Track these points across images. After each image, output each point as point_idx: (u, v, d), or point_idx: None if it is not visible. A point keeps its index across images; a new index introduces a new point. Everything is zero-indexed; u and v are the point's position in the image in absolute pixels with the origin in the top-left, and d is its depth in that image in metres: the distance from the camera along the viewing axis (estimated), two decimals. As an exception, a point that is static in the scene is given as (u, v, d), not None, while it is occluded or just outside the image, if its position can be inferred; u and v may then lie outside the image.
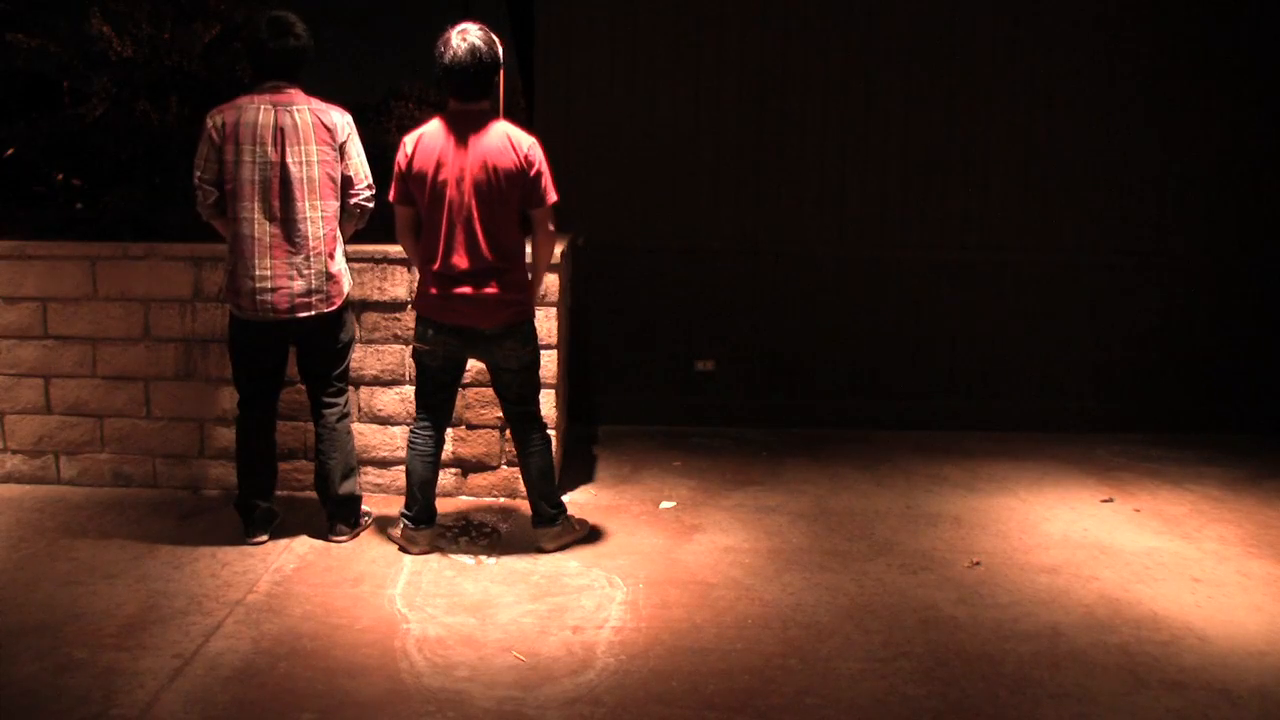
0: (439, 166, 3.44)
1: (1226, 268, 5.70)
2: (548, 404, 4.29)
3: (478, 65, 3.41)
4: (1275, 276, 5.71)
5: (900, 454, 5.15)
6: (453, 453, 4.33)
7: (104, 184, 17.20)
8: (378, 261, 4.24)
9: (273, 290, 3.54)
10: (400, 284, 4.25)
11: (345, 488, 3.80)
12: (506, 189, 3.45)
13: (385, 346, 4.28)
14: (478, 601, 3.32)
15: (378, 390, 4.31)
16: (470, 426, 4.32)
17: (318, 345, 3.73)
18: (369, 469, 4.34)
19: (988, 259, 5.63)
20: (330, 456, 3.77)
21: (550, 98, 5.62)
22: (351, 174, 3.66)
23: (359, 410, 4.31)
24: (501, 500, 4.33)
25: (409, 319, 4.26)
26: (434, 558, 3.68)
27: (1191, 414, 5.72)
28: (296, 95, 3.57)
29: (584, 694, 2.75)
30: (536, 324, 3.84)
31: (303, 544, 3.78)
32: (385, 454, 4.34)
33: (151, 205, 15.90)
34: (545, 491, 3.75)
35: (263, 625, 3.11)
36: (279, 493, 4.30)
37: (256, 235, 3.53)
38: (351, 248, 4.27)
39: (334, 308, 3.66)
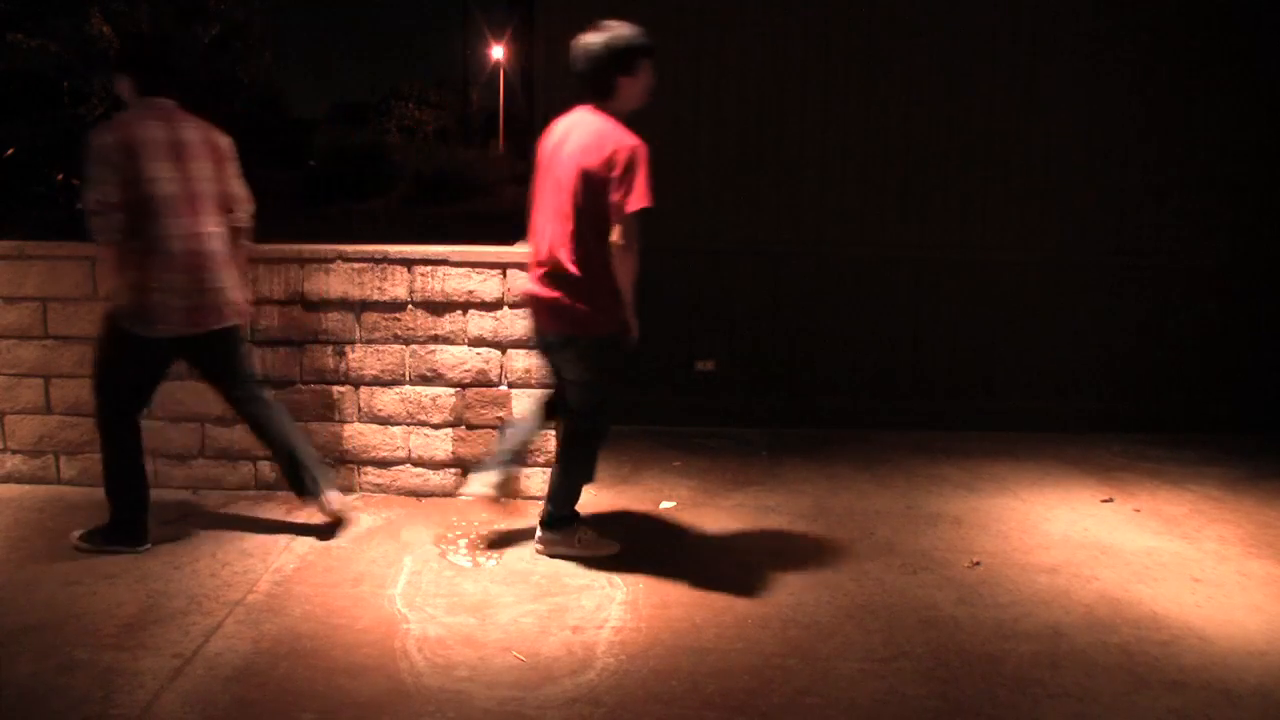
0: (546, 164, 3.47)
1: (1226, 268, 5.69)
2: (548, 404, 4.29)
3: (583, 63, 3.41)
4: (1275, 277, 5.71)
5: (900, 454, 5.15)
6: (453, 453, 4.33)
7: (104, 184, 17.15)
8: (378, 261, 4.24)
9: (190, 307, 3.55)
10: (400, 284, 4.25)
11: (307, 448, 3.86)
12: (588, 191, 3.34)
13: (385, 346, 4.28)
14: (478, 601, 3.32)
15: (378, 390, 4.31)
16: (470, 426, 4.32)
17: (222, 354, 3.75)
18: (369, 469, 4.34)
19: (988, 259, 5.63)
20: (282, 422, 3.81)
21: (550, 96, 5.61)
22: (236, 192, 3.71)
23: (359, 410, 4.31)
24: (502, 500, 4.32)
25: (409, 319, 4.27)
26: (434, 558, 3.68)
27: (1191, 414, 5.71)
28: (180, 112, 3.59)
29: (584, 694, 2.75)
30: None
31: (303, 544, 3.78)
32: (385, 454, 4.34)
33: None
34: (553, 493, 3.73)
35: (263, 625, 3.11)
36: (279, 492, 4.31)
37: (172, 251, 3.51)
38: (351, 248, 4.29)
39: (231, 322, 3.69)
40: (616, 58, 3.40)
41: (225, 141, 3.70)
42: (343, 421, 4.32)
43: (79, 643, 2.97)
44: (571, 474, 3.70)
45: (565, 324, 3.44)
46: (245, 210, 3.77)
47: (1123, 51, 5.54)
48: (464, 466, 4.34)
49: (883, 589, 3.50)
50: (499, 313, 4.25)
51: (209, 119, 3.71)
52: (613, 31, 3.41)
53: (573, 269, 3.38)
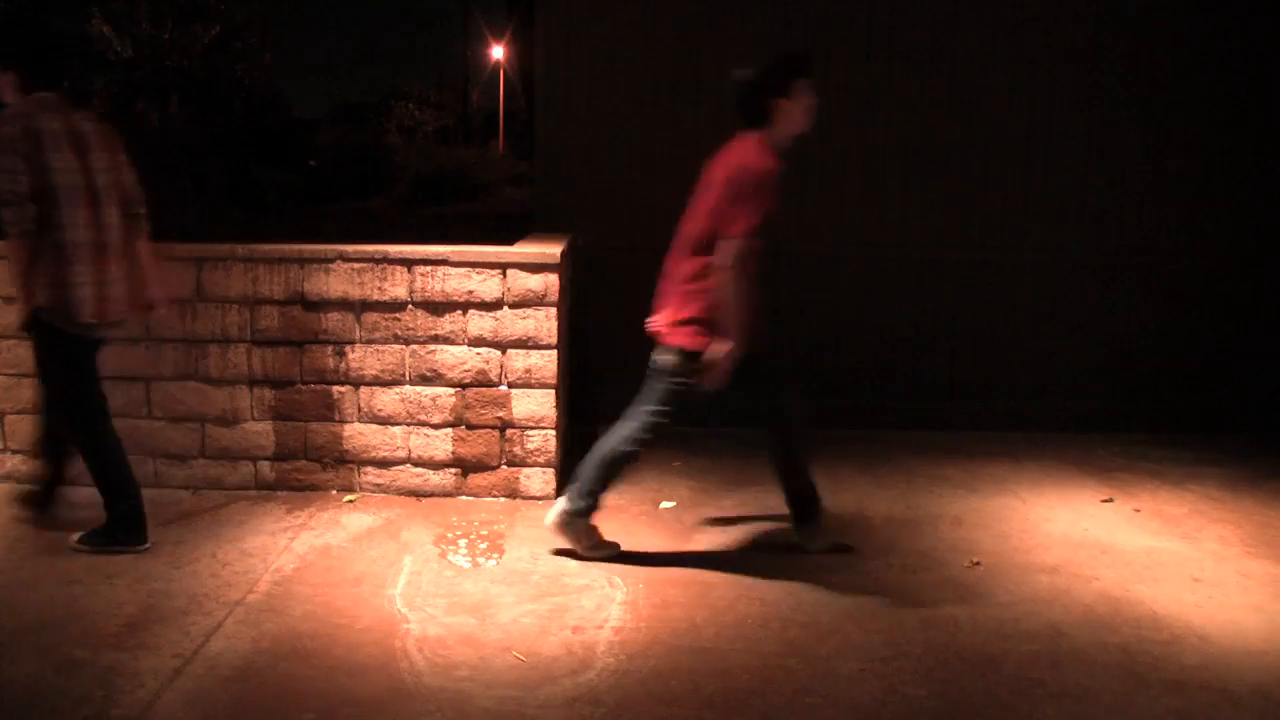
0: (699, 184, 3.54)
1: (1226, 268, 5.69)
2: (547, 404, 4.30)
3: (738, 88, 3.47)
4: (1274, 277, 5.71)
5: (900, 454, 5.15)
6: (453, 453, 4.33)
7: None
8: (378, 261, 4.24)
9: (110, 298, 3.55)
10: (400, 284, 4.25)
11: None
12: (705, 207, 3.44)
13: (385, 346, 4.28)
14: (478, 601, 3.32)
15: (378, 390, 4.31)
16: (470, 426, 4.32)
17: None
18: (369, 469, 4.34)
19: (988, 259, 5.63)
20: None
21: (550, 97, 5.62)
22: (132, 183, 3.72)
23: (359, 410, 4.31)
24: (502, 500, 4.33)
25: (409, 319, 4.27)
26: (434, 558, 3.68)
27: (1191, 414, 5.71)
28: (70, 105, 3.58)
29: (584, 694, 2.75)
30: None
31: (303, 544, 3.78)
32: (385, 454, 4.34)
33: (151, 205, 15.90)
34: (581, 471, 3.69)
35: (263, 625, 3.11)
36: (279, 492, 4.31)
37: (87, 241, 3.50)
38: (351, 248, 4.29)
39: (125, 318, 3.69)
40: (754, 84, 3.43)
41: (115, 134, 3.69)
42: (343, 421, 4.32)
43: (79, 643, 2.97)
44: (602, 449, 3.69)
45: (669, 335, 3.54)
46: (140, 202, 3.76)
47: (1123, 51, 5.54)
48: (463, 467, 4.34)
49: (883, 589, 3.50)
50: (499, 313, 4.26)
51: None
52: (775, 60, 3.45)
53: (686, 284, 3.50)
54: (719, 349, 3.39)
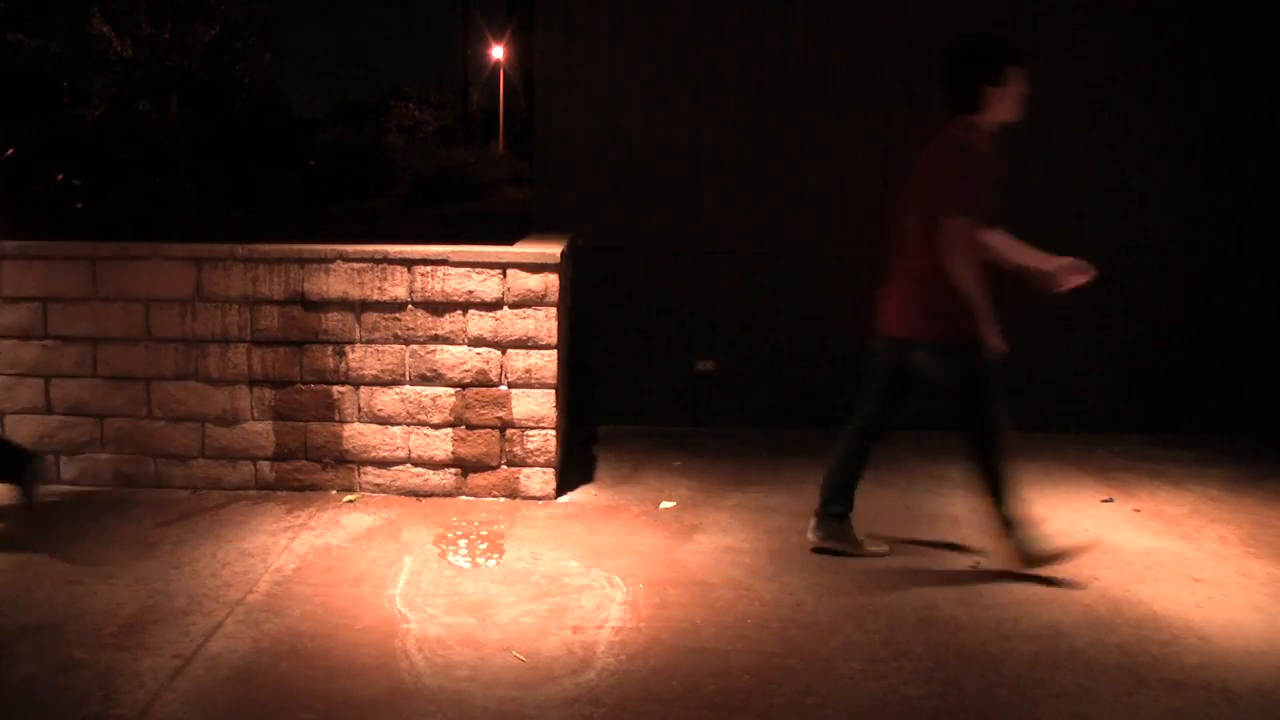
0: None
1: (1225, 268, 5.69)
2: (547, 404, 4.29)
3: (944, 71, 3.43)
4: (1274, 277, 5.71)
5: (900, 454, 5.15)
6: (453, 453, 4.33)
7: (104, 184, 17.20)
8: (378, 261, 4.24)
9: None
10: (400, 284, 4.25)
11: None
12: (919, 188, 3.43)
13: (385, 346, 4.28)
14: (478, 601, 3.32)
15: (377, 390, 4.31)
16: (470, 426, 4.32)
17: None
18: (369, 469, 4.34)
19: (989, 259, 5.61)
20: None
21: (550, 97, 5.62)
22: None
23: (359, 410, 4.31)
24: (502, 500, 4.33)
25: (409, 319, 4.27)
26: (434, 558, 3.68)
27: (1191, 414, 5.71)
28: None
29: (584, 694, 2.75)
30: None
31: (303, 544, 3.78)
32: (385, 454, 4.34)
33: (151, 205, 15.91)
34: (824, 482, 3.75)
35: (263, 625, 3.11)
36: (279, 492, 4.31)
37: None
38: (351, 248, 4.29)
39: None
40: (958, 66, 3.39)
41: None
42: (343, 421, 4.32)
43: (79, 643, 2.97)
44: (837, 461, 3.75)
45: (894, 325, 3.62)
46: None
47: (1124, 51, 5.54)
48: (463, 467, 4.34)
49: (883, 589, 3.50)
50: (499, 313, 4.26)
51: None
52: (971, 40, 3.39)
53: (910, 271, 3.54)
54: (983, 332, 3.39)
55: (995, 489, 3.54)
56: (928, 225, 3.39)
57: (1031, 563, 3.56)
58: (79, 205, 16.96)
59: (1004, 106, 3.43)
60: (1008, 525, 3.55)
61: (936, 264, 3.38)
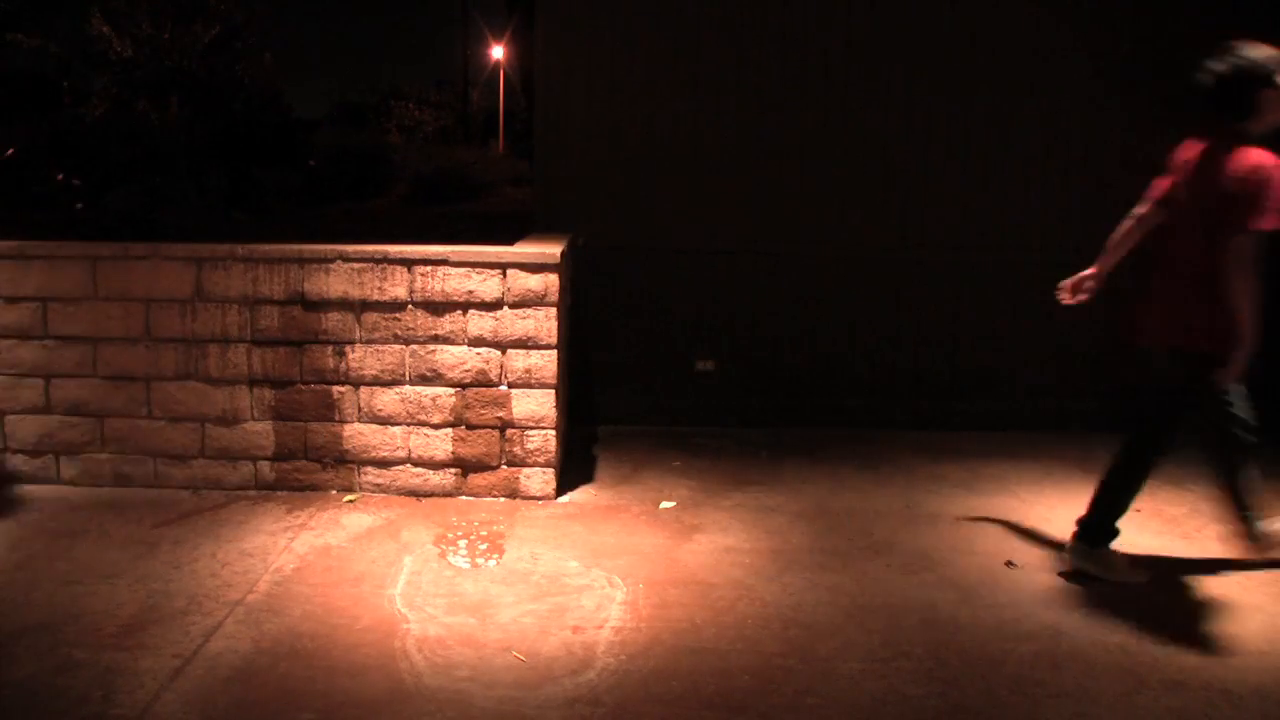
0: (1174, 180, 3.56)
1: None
2: (547, 404, 4.29)
3: (1211, 82, 3.41)
4: (1274, 278, 5.70)
5: (900, 454, 5.15)
6: (452, 453, 4.33)
7: (104, 184, 17.21)
8: (377, 261, 4.24)
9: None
10: (400, 284, 4.25)
11: None
12: (1195, 210, 3.45)
13: (385, 346, 4.28)
14: (478, 601, 3.32)
15: (378, 390, 4.31)
16: (470, 426, 4.32)
17: None
18: (369, 469, 4.34)
19: (986, 260, 5.62)
20: None
21: (550, 97, 5.62)
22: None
23: (359, 410, 4.31)
24: (502, 500, 4.33)
25: (408, 319, 4.27)
26: (434, 558, 3.68)
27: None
28: None
29: (584, 694, 2.75)
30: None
31: (303, 544, 3.78)
32: (385, 454, 4.34)
33: (151, 205, 15.91)
34: (1093, 501, 3.68)
35: (263, 625, 3.11)
36: (279, 492, 4.31)
37: None
38: (351, 248, 4.29)
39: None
40: (1227, 75, 3.37)
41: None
42: (343, 421, 4.32)
43: (79, 643, 2.97)
44: (1111, 476, 3.71)
45: (1168, 336, 3.65)
46: None
47: (1119, 51, 5.54)
48: (463, 467, 4.34)
49: (883, 589, 3.50)
50: (499, 313, 4.26)
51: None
52: (1236, 50, 3.37)
53: (1187, 285, 3.59)
54: (1236, 350, 3.41)
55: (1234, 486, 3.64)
56: (1210, 238, 3.39)
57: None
58: (79, 205, 16.98)
59: (1276, 112, 3.39)
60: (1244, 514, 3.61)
61: (1215, 276, 3.39)
